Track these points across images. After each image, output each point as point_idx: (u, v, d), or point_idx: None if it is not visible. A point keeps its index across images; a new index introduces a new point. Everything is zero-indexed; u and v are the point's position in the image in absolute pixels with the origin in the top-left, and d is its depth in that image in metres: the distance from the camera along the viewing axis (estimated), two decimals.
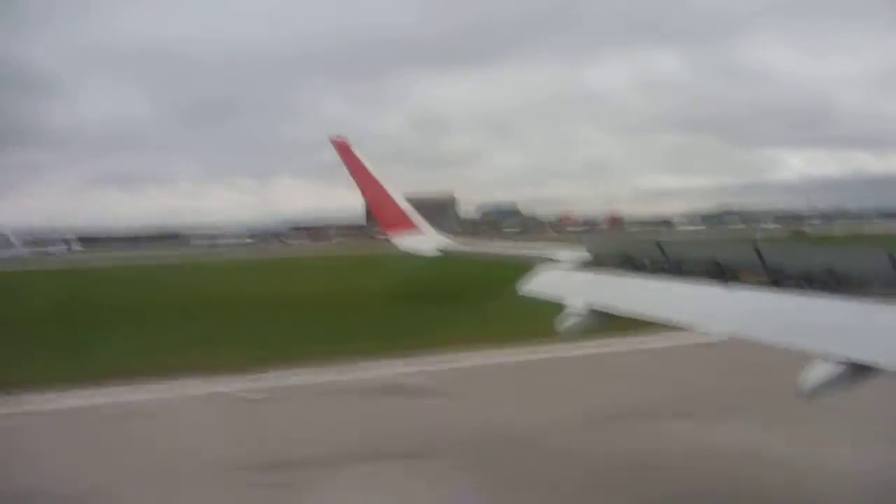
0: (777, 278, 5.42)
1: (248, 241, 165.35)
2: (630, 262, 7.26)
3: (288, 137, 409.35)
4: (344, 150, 11.34)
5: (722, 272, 5.95)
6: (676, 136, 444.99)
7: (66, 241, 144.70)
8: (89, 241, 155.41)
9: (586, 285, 7.33)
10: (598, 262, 7.82)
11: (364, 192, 11.38)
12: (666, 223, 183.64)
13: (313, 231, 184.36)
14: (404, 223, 11.26)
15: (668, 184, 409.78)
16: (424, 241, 11.17)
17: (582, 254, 8.20)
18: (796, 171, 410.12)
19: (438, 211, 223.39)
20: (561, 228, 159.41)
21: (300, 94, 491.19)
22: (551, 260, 8.46)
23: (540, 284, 7.92)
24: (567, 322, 6.70)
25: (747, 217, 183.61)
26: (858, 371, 4.03)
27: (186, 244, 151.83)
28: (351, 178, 11.33)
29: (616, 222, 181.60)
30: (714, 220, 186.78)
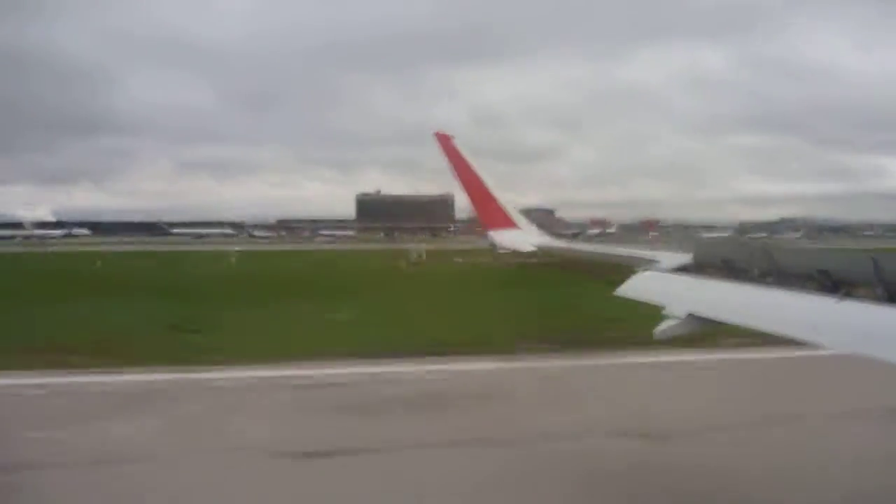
0: (894, 292, 5.28)
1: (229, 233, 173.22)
2: (735, 268, 7.20)
3: (359, 130, 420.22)
4: (447, 144, 11.92)
5: (834, 283, 5.88)
6: (754, 138, 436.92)
7: (68, 227, 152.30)
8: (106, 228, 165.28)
9: (686, 290, 7.31)
10: (700, 267, 7.81)
11: (465, 188, 11.92)
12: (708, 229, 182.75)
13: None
14: (504, 219, 11.83)
15: (766, 189, 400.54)
16: (523, 237, 11.70)
17: (683, 257, 8.20)
18: None
19: (435, 210, 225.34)
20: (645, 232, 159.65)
21: (348, 88, 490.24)
22: (652, 262, 8.50)
23: (638, 287, 7.94)
24: (664, 327, 6.75)
25: (809, 227, 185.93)
26: None
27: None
28: (452, 173, 11.87)
29: (651, 227, 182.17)
30: (767, 229, 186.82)
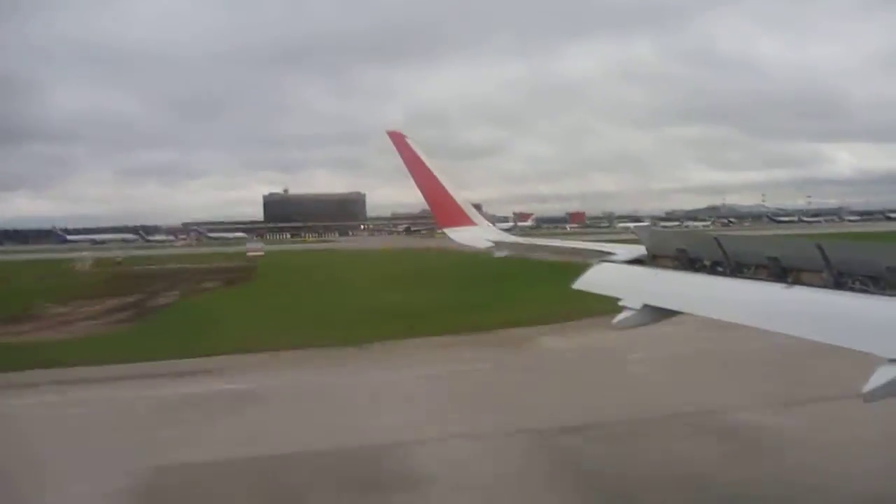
0: (840, 278, 5.48)
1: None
2: (688, 259, 7.36)
3: (297, 132, 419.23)
4: (400, 142, 12.09)
5: (783, 270, 6.08)
6: (695, 129, 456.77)
7: None
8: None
9: (641, 281, 7.52)
10: (654, 258, 8.00)
11: (419, 185, 12.08)
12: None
13: None
14: (460, 217, 12.03)
15: (714, 178, 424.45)
16: (479, 234, 11.87)
17: (637, 249, 8.49)
18: (848, 165, 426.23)
19: (344, 209, 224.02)
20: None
21: (285, 90, 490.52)
22: (607, 254, 8.82)
23: (594, 280, 8.23)
24: (621, 318, 6.98)
25: (732, 215, 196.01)
26: None
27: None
28: (407, 171, 11.99)
29: (579, 218, 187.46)
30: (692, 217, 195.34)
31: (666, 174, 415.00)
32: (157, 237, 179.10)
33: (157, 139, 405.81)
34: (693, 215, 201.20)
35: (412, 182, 12.06)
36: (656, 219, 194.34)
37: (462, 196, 12.28)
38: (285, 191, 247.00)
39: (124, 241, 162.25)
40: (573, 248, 10.96)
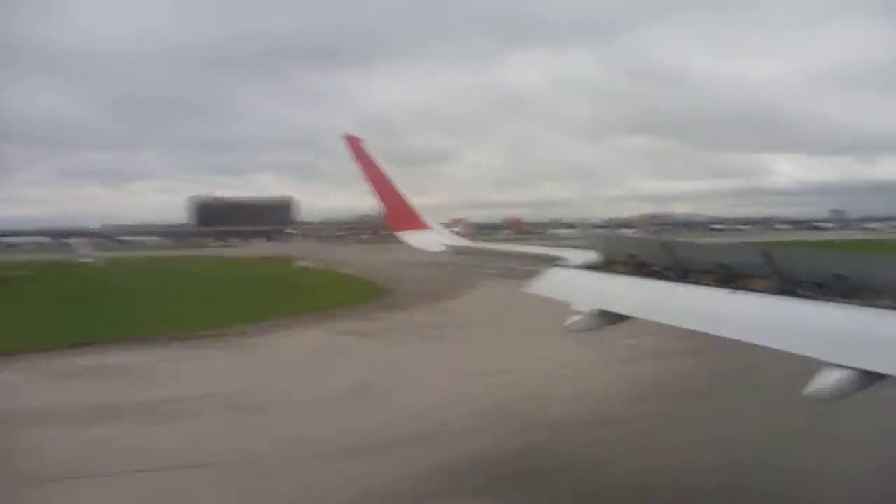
0: (785, 284, 5.74)
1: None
2: (639, 264, 7.68)
3: (241, 135, 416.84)
4: (356, 146, 12.31)
5: (730, 276, 6.35)
6: (641, 140, 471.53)
7: None
8: None
9: (593, 286, 7.79)
10: (606, 264, 8.28)
11: (374, 190, 12.33)
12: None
13: None
14: (414, 221, 12.35)
15: (662, 187, 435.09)
16: (433, 238, 12.22)
17: (590, 255, 8.77)
18: (789, 176, 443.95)
19: (274, 213, 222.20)
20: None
21: (227, 94, 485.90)
22: (560, 259, 9.09)
23: (547, 284, 8.50)
24: (572, 321, 7.21)
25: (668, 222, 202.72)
26: (865, 378, 4.40)
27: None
28: (362, 175, 12.24)
29: (517, 226, 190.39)
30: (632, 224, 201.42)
31: (614, 183, 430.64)
32: (72, 241, 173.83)
33: (100, 140, 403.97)
34: (629, 223, 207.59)
35: (365, 187, 12.30)
36: (594, 226, 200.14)
37: (416, 201, 12.59)
38: (214, 195, 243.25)
39: (36, 244, 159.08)
40: (526, 253, 11.38)
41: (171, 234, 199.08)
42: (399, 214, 12.44)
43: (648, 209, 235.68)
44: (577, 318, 7.22)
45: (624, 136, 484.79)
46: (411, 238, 12.34)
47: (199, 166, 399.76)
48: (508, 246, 13.04)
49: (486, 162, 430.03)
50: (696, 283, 6.68)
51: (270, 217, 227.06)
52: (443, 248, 12.10)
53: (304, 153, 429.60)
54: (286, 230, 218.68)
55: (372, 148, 12.44)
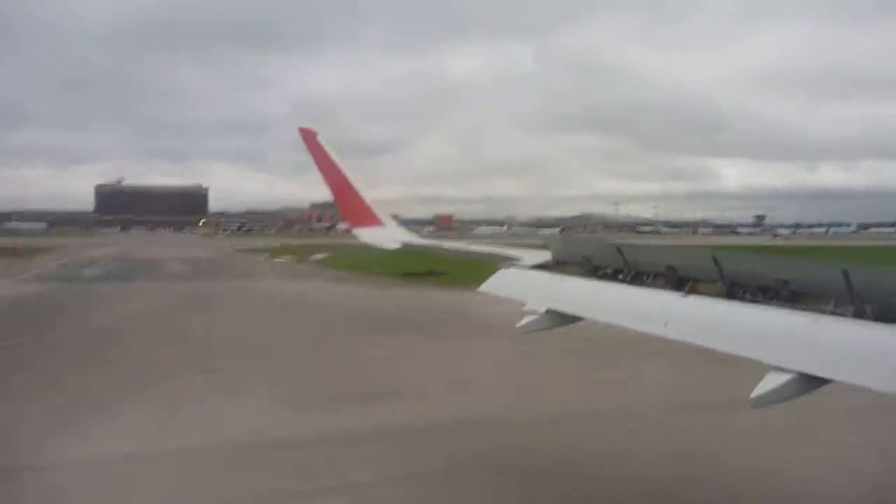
0: (734, 288, 5.99)
1: None
2: (592, 266, 7.94)
3: (187, 120, 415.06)
4: (311, 140, 12.40)
5: (681, 279, 6.60)
6: (590, 138, 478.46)
7: None
8: None
9: (546, 287, 7.92)
10: (559, 264, 8.52)
11: (329, 184, 12.46)
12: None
13: None
14: (369, 217, 12.49)
15: (617, 187, 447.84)
16: (388, 235, 12.40)
17: (543, 255, 8.85)
18: (735, 181, 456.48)
19: (183, 203, 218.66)
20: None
21: (171, 78, 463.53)
22: (514, 259, 9.13)
23: (500, 284, 8.63)
24: (525, 322, 7.39)
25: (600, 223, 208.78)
26: (808, 382, 4.62)
27: None
28: (317, 169, 12.37)
29: (445, 222, 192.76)
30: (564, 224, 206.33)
31: (567, 182, 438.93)
32: None
33: (41, 120, 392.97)
34: (561, 223, 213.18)
35: (317, 178, 12.40)
36: (524, 224, 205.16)
37: (371, 196, 12.75)
38: (119, 181, 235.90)
39: None
40: (480, 252, 11.64)
41: (67, 221, 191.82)
42: (354, 210, 12.55)
43: (601, 210, 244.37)
44: (529, 318, 7.39)
45: (572, 133, 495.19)
46: (366, 234, 12.44)
47: (144, 150, 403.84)
48: (463, 245, 13.27)
49: (437, 155, 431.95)
50: (649, 285, 6.95)
51: (181, 206, 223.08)
52: (398, 245, 12.21)
53: (252, 140, 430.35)
54: (200, 220, 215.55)
55: (326, 141, 12.57)
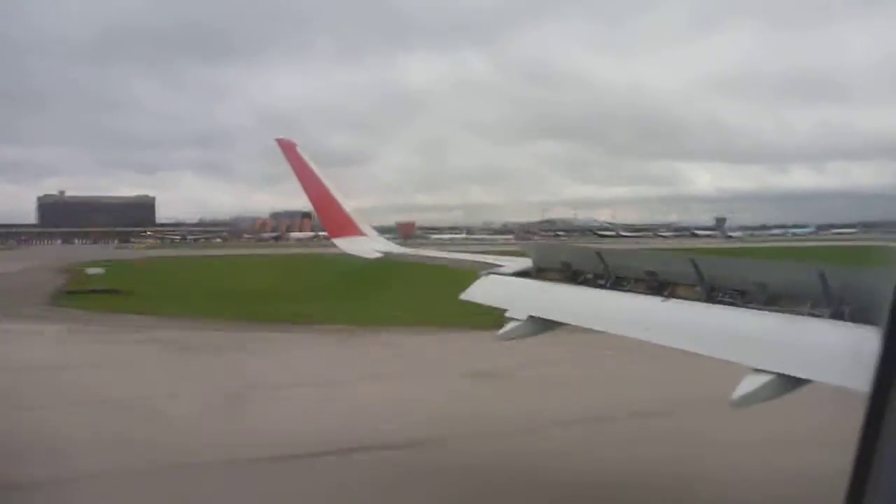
0: (712, 292, 6.22)
1: None
2: (572, 272, 8.07)
3: (151, 133, 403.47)
4: (290, 151, 12.73)
5: (660, 284, 6.83)
6: (555, 145, 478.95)
7: None
8: None
9: (526, 293, 8.14)
10: (540, 271, 8.64)
11: (309, 195, 12.78)
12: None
13: None
14: (348, 226, 12.82)
15: (589, 192, 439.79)
16: (368, 244, 12.71)
17: (524, 262, 9.11)
18: (709, 184, 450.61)
19: (129, 214, 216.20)
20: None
21: (129, 90, 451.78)
22: (495, 266, 9.39)
23: (482, 291, 8.88)
24: (507, 329, 7.64)
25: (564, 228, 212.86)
26: (786, 382, 4.79)
27: None
28: (296, 180, 12.66)
29: (408, 229, 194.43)
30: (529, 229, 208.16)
31: (540, 188, 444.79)
32: None
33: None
34: (526, 227, 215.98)
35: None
36: (489, 231, 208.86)
37: (351, 206, 13.06)
38: (61, 192, 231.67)
39: None
40: (461, 260, 11.97)
41: (8, 235, 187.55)
42: (334, 220, 12.85)
43: (574, 214, 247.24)
44: (511, 325, 7.62)
45: (536, 140, 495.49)
46: (346, 244, 12.71)
47: (112, 164, 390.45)
48: (444, 253, 13.63)
49: (406, 164, 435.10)
50: (630, 290, 7.16)
51: (127, 217, 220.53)
52: (378, 255, 12.49)
53: (218, 151, 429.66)
54: (146, 232, 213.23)
55: (305, 151, 12.87)
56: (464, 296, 9.02)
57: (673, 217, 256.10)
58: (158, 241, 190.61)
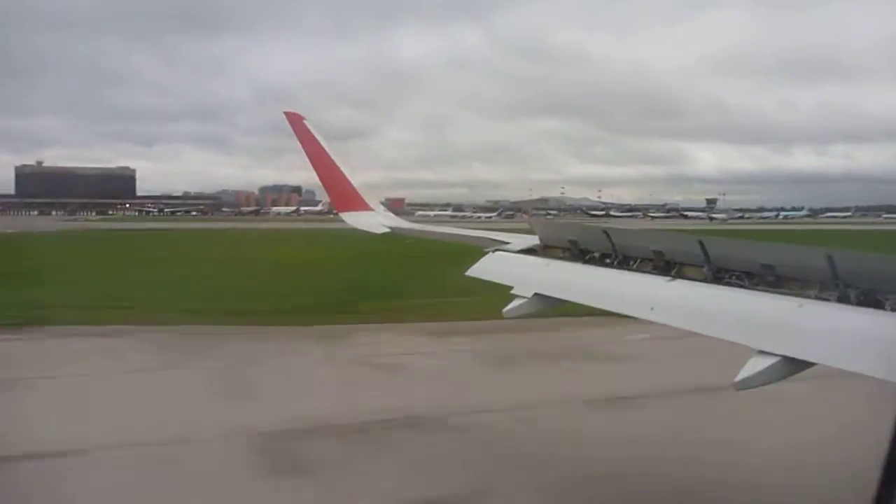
0: (720, 273, 6.26)
1: None
2: (578, 250, 8.07)
3: (147, 104, 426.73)
4: (298, 124, 12.72)
5: (667, 264, 6.85)
6: (554, 122, 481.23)
7: None
8: None
9: (532, 270, 8.15)
10: (546, 248, 8.66)
11: (316, 169, 12.78)
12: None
13: None
14: (356, 201, 12.86)
15: (595, 172, 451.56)
16: (376, 219, 12.79)
17: (531, 239, 9.13)
18: (712, 165, 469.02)
19: (108, 186, 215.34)
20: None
21: (125, 62, 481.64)
22: (501, 244, 9.45)
23: (487, 268, 8.92)
24: (512, 306, 7.66)
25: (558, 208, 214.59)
26: (792, 365, 4.82)
27: None
28: (303, 153, 12.70)
29: (397, 205, 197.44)
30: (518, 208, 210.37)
31: (544, 166, 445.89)
32: None
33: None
34: (518, 206, 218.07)
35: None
36: (479, 209, 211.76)
37: (359, 180, 13.12)
38: (39, 163, 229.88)
39: None
40: (467, 236, 12.11)
41: None
42: (341, 195, 12.89)
43: (588, 193, 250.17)
44: (516, 302, 7.67)
45: (535, 118, 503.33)
46: (353, 219, 12.75)
47: (111, 135, 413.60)
48: (450, 229, 13.75)
49: (406, 140, 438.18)
50: (636, 270, 7.20)
51: (106, 189, 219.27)
52: (386, 230, 12.56)
53: (216, 125, 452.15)
54: (126, 204, 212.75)
55: (313, 125, 12.91)
56: (470, 272, 9.05)
57: (678, 198, 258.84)
58: (136, 214, 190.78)
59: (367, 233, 12.66)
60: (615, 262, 7.51)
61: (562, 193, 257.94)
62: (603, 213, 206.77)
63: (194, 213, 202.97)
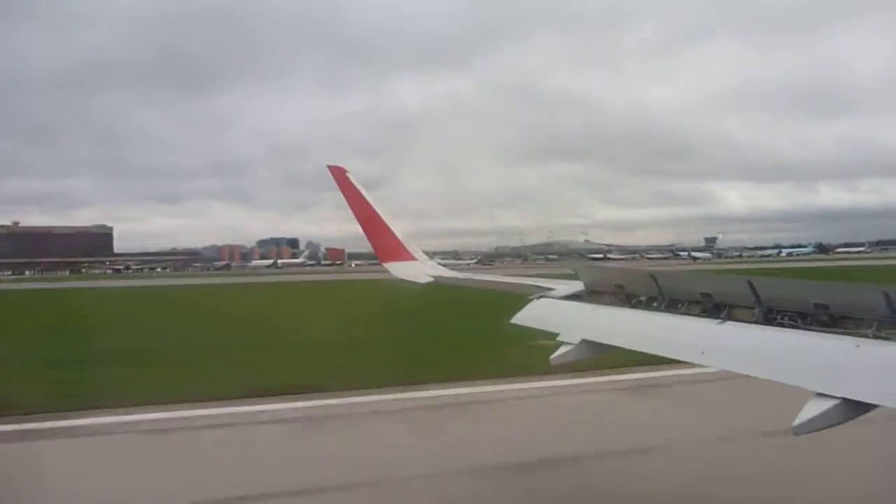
0: (770, 314, 6.25)
1: None
2: (624, 294, 8.32)
3: (170, 162, 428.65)
4: (341, 177, 13.28)
5: (716, 306, 6.87)
6: (573, 167, 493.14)
7: None
8: None
9: (578, 317, 8.25)
10: (591, 293, 8.87)
11: (359, 219, 13.28)
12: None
13: None
14: (400, 251, 13.35)
15: (620, 215, 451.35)
16: (419, 269, 13.21)
17: (576, 285, 9.20)
18: (742, 205, 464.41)
19: (84, 244, 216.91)
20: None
21: (136, 122, 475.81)
22: (546, 290, 9.51)
23: (532, 315, 8.95)
24: (559, 353, 7.79)
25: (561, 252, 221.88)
26: (852, 407, 4.76)
27: None
28: (347, 206, 13.24)
29: (337, 255, 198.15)
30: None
31: (569, 210, 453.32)
32: None
33: (23, 168, 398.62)
34: (518, 252, 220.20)
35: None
36: (478, 254, 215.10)
37: (402, 230, 13.59)
38: (15, 223, 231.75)
39: None
40: (511, 284, 12.41)
41: None
42: (385, 245, 13.33)
43: (616, 237, 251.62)
44: (563, 349, 7.68)
45: (548, 162, 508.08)
46: (397, 269, 13.16)
47: (135, 193, 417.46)
48: (494, 276, 14.14)
49: (426, 189, 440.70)
50: (684, 313, 7.31)
51: (82, 248, 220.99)
52: (430, 279, 12.88)
53: (234, 179, 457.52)
54: (105, 261, 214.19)
55: (355, 177, 13.49)
56: (515, 319, 9.09)
57: (719, 235, 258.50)
58: (109, 272, 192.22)
59: (411, 283, 13.14)
60: (662, 306, 7.59)
61: (585, 241, 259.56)
62: (601, 256, 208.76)
63: (158, 269, 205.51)
